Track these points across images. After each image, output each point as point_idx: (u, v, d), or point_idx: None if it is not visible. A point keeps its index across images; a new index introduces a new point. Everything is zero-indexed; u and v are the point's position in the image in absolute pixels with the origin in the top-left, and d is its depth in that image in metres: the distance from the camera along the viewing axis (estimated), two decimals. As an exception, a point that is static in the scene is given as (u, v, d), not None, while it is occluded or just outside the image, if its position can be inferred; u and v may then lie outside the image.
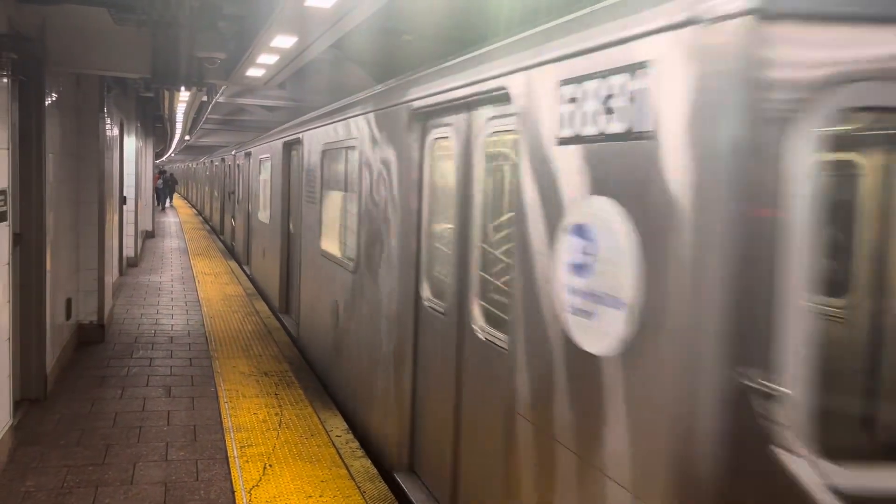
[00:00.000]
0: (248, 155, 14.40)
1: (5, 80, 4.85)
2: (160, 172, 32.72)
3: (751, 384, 1.93)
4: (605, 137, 2.43)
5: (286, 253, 10.02)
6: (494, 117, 3.57)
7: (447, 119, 4.14)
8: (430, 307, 4.45)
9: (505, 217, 3.58)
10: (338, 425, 5.84)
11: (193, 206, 38.18)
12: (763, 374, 1.93)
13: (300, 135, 8.38)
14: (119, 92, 10.29)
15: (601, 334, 2.40)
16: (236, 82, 7.99)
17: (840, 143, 2.11)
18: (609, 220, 2.39)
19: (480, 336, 3.71)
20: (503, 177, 3.68)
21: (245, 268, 14.59)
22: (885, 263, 2.41)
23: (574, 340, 2.56)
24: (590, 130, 2.51)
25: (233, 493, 4.59)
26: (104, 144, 8.36)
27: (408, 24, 7.26)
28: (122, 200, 12.23)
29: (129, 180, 13.44)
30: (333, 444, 5.42)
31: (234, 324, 9.60)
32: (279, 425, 5.80)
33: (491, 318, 3.69)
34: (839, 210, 2.31)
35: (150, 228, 20.23)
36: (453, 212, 4.03)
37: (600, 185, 2.46)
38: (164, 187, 33.82)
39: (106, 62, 6.94)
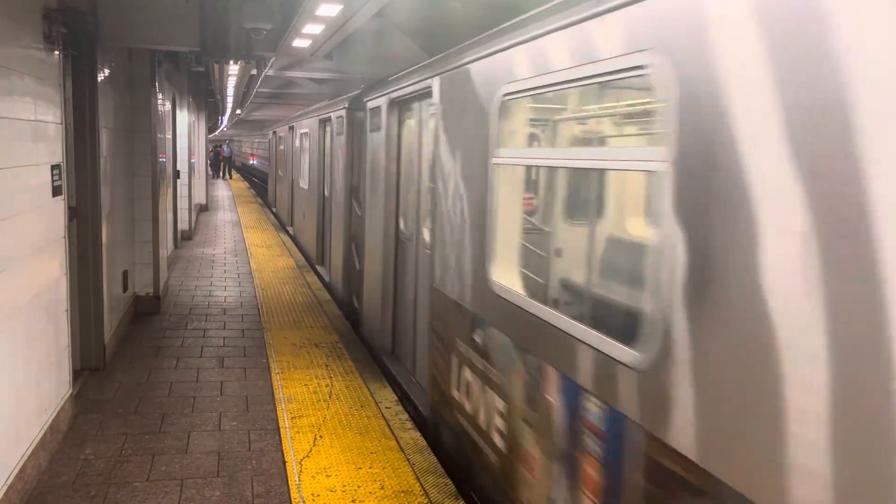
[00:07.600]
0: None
1: (57, 54, 4.89)
2: (217, 146, 36.10)
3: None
4: None
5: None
6: None
7: None
8: None
9: None
10: (387, 397, 5.84)
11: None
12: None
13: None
14: (171, 67, 10.39)
15: None
16: (284, 53, 7.97)
17: None
18: None
19: None
20: None
21: None
22: None
23: None
24: None
25: (284, 463, 4.63)
26: (156, 119, 8.45)
27: (455, -10, 7.08)
28: (176, 174, 12.43)
29: (182, 154, 13.64)
30: (383, 416, 5.42)
31: (286, 296, 9.70)
32: (329, 396, 5.83)
33: None
34: None
35: (203, 202, 20.59)
36: None
37: None
38: (219, 160, 39.23)
39: (156, 36, 6.97)
